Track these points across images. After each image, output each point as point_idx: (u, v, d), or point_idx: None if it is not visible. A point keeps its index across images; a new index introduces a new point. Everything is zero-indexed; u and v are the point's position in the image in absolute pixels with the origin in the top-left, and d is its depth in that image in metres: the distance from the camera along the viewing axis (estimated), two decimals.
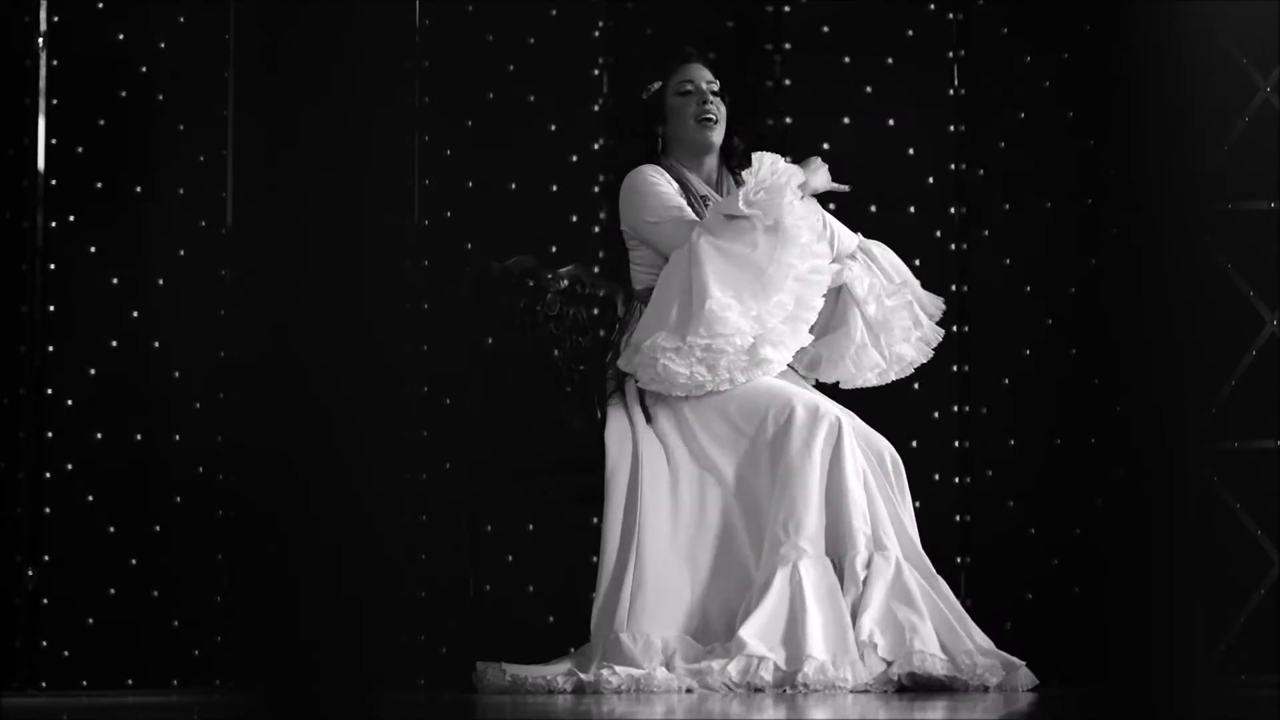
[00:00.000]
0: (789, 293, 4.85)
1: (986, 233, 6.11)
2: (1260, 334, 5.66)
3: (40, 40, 5.90)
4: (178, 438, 5.87)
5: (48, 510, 5.79)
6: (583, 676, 4.72)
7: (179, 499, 5.85)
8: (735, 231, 4.86)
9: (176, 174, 5.93)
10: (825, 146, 6.10)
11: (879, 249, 5.19)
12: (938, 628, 4.69)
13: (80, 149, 5.92)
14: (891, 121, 6.13)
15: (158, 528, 5.84)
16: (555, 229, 6.10)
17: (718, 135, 5.10)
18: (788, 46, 6.20)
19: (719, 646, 4.71)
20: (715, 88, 5.11)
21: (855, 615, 4.67)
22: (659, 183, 5.05)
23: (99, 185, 5.92)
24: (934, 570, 4.81)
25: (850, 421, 4.89)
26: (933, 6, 6.17)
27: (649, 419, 4.94)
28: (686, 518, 4.86)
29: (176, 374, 5.88)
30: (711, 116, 5.07)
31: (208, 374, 5.85)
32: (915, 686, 4.60)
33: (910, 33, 6.17)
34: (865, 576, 4.72)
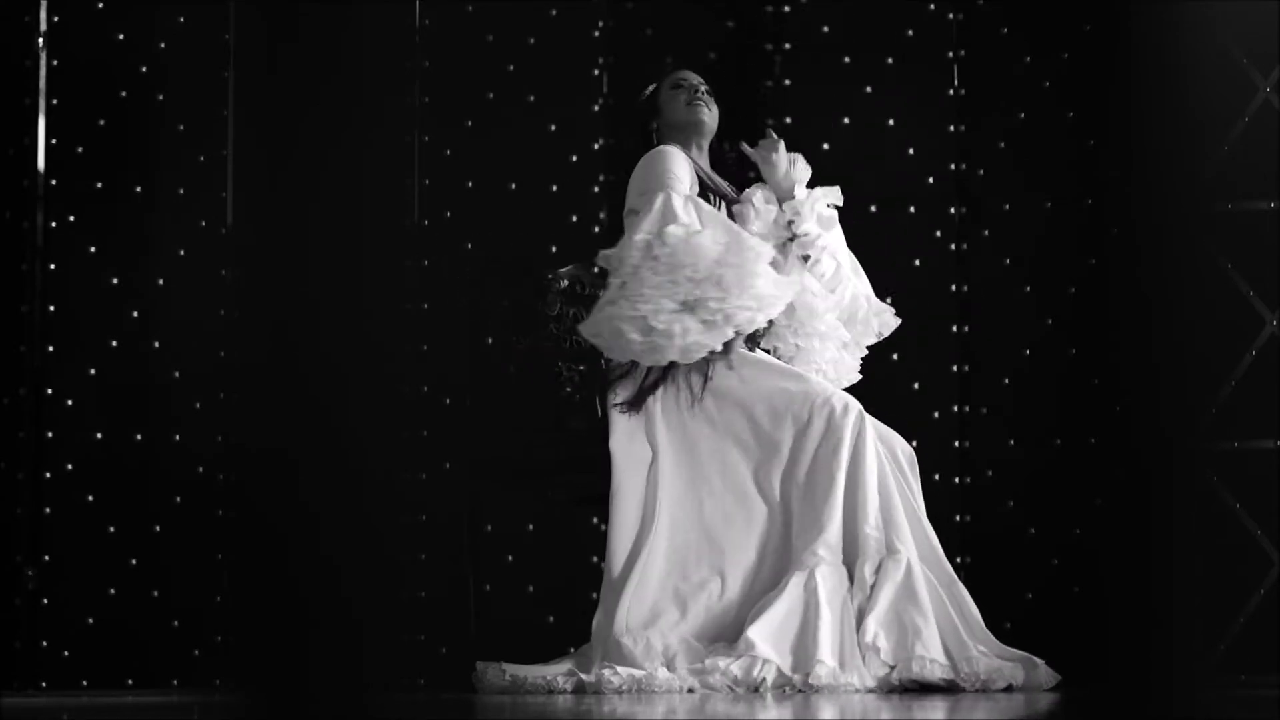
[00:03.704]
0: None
1: (986, 233, 6.11)
2: (1260, 334, 5.66)
3: (40, 40, 5.89)
4: (178, 438, 5.87)
5: (48, 510, 5.79)
6: (584, 677, 4.71)
7: (179, 499, 5.84)
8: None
9: (177, 174, 5.93)
10: (825, 147, 6.10)
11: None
12: (943, 632, 4.70)
13: (80, 149, 5.91)
14: (891, 121, 6.13)
15: (158, 528, 5.84)
16: (555, 229, 6.09)
17: (707, 116, 5.14)
18: (788, 46, 6.20)
19: (723, 646, 4.71)
20: (706, 88, 5.16)
21: (861, 617, 4.69)
22: (681, 163, 5.05)
23: (99, 185, 5.92)
24: (954, 575, 4.82)
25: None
26: (933, 6, 6.17)
27: (697, 398, 4.92)
28: (699, 520, 4.85)
29: (176, 374, 5.88)
30: (701, 100, 5.13)
31: (208, 374, 5.84)
32: (916, 689, 4.60)
33: (910, 33, 6.17)
34: (874, 582, 4.74)
